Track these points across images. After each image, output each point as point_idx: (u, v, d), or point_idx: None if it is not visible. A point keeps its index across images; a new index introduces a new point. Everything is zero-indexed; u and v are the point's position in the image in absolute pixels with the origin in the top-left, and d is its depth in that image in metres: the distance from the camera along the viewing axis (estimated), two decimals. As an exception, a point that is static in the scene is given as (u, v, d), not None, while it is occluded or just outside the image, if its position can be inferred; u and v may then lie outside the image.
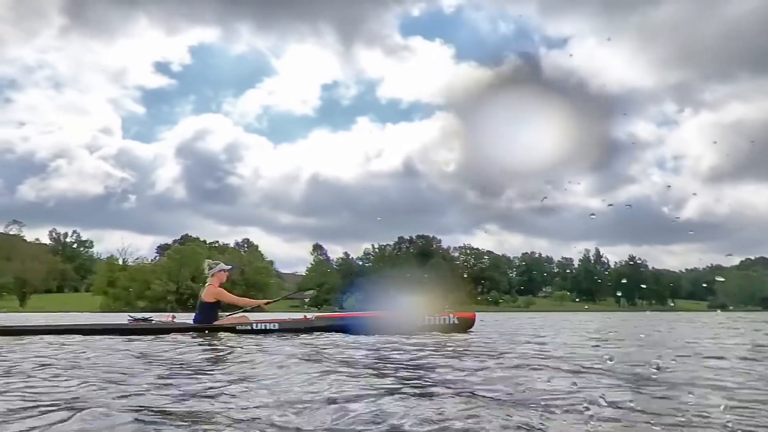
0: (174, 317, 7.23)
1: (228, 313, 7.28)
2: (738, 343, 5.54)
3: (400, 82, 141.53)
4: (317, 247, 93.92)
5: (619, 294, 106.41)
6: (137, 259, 75.01)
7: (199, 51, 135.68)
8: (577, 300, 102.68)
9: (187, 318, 7.30)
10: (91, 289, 71.59)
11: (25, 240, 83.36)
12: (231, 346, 4.78)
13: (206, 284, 7.12)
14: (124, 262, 73.09)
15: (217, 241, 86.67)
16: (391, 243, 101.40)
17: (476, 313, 7.53)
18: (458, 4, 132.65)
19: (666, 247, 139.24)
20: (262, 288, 63.76)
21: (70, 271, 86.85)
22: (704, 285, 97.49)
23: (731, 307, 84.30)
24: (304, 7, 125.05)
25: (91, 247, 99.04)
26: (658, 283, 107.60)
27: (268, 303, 7.69)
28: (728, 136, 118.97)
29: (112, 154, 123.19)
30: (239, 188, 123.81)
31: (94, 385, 2.47)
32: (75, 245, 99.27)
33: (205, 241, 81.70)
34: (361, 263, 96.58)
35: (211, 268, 7.19)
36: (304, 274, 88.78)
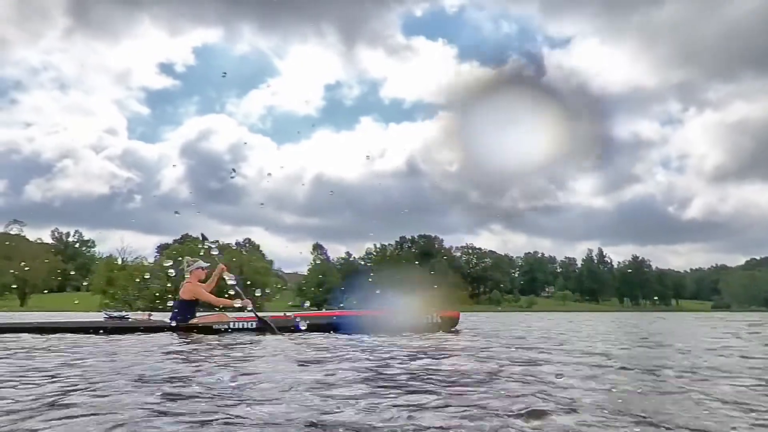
0: (150, 315, 7.07)
1: (211, 312, 7.12)
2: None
3: (402, 82, 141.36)
4: (317, 247, 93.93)
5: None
6: (136, 258, 74.95)
7: (202, 52, 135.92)
8: (579, 300, 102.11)
9: (164, 316, 7.15)
10: (90, 289, 71.64)
11: (26, 239, 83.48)
12: (199, 346, 4.68)
13: (184, 281, 6.92)
14: (122, 261, 73.06)
15: (217, 241, 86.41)
16: (393, 243, 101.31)
17: (461, 312, 7.42)
18: (461, 4, 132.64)
19: (670, 247, 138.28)
20: (261, 288, 63.50)
21: (71, 270, 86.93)
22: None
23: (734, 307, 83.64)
24: (306, 7, 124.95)
25: (93, 246, 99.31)
26: (661, 283, 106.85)
27: (244, 308, 7.05)
28: (732, 135, 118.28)
29: (118, 154, 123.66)
30: (243, 188, 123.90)
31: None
32: (77, 245, 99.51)
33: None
34: (363, 263, 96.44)
35: (189, 266, 7.02)
36: (305, 273, 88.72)
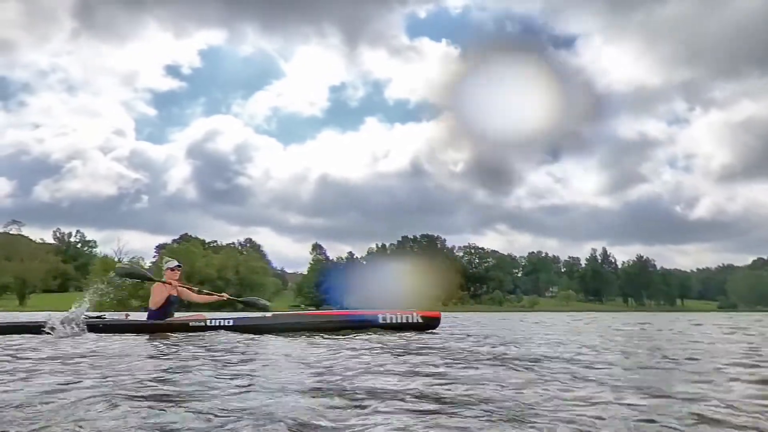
0: (128, 315, 7.11)
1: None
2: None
3: (407, 82, 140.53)
4: (316, 247, 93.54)
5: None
6: (133, 258, 74.55)
7: (207, 53, 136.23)
8: (582, 300, 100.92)
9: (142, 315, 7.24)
10: (86, 288, 71.42)
11: (27, 239, 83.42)
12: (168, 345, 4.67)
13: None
14: (119, 261, 72.71)
15: (215, 241, 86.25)
16: (395, 242, 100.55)
17: (441, 312, 7.27)
18: (464, 5, 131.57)
19: (677, 247, 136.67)
20: (258, 288, 63.04)
21: (71, 270, 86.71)
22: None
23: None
24: (308, 8, 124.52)
25: (95, 246, 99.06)
26: (666, 283, 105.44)
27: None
28: (739, 134, 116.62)
29: (125, 155, 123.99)
30: (249, 189, 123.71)
31: None
32: (79, 245, 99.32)
33: (204, 241, 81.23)
34: (365, 262, 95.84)
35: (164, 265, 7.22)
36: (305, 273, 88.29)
